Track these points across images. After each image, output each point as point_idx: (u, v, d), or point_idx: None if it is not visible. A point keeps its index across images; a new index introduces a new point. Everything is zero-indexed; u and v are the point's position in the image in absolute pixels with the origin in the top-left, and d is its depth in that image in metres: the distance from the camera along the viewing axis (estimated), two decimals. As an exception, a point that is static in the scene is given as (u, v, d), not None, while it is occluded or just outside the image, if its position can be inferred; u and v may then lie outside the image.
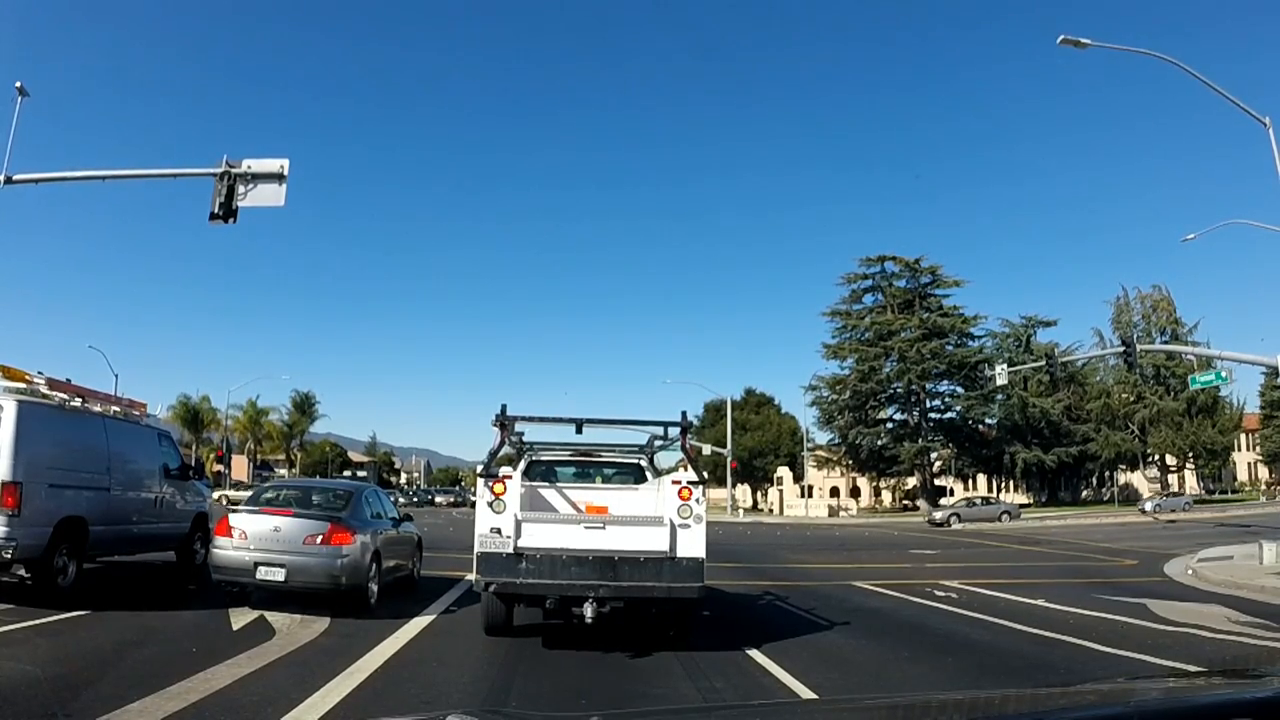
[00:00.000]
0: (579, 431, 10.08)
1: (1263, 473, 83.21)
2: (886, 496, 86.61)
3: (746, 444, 79.60)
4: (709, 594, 10.18)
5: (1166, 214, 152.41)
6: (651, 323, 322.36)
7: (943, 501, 64.41)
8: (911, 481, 75.52)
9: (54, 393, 11.95)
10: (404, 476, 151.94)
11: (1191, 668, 8.44)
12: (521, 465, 10.90)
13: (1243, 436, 78.46)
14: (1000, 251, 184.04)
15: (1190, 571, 19.49)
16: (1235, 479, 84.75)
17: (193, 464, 16.32)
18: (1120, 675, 7.79)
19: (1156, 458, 66.18)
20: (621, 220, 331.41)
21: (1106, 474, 74.57)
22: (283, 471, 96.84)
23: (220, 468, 73.03)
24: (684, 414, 9.97)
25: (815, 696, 7.45)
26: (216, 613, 10.63)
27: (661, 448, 11.41)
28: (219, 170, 16.86)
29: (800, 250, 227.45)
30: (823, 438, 77.40)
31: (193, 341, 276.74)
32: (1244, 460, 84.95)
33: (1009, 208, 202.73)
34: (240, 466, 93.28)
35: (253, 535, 10.91)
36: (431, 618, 11.06)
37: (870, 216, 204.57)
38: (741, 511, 72.75)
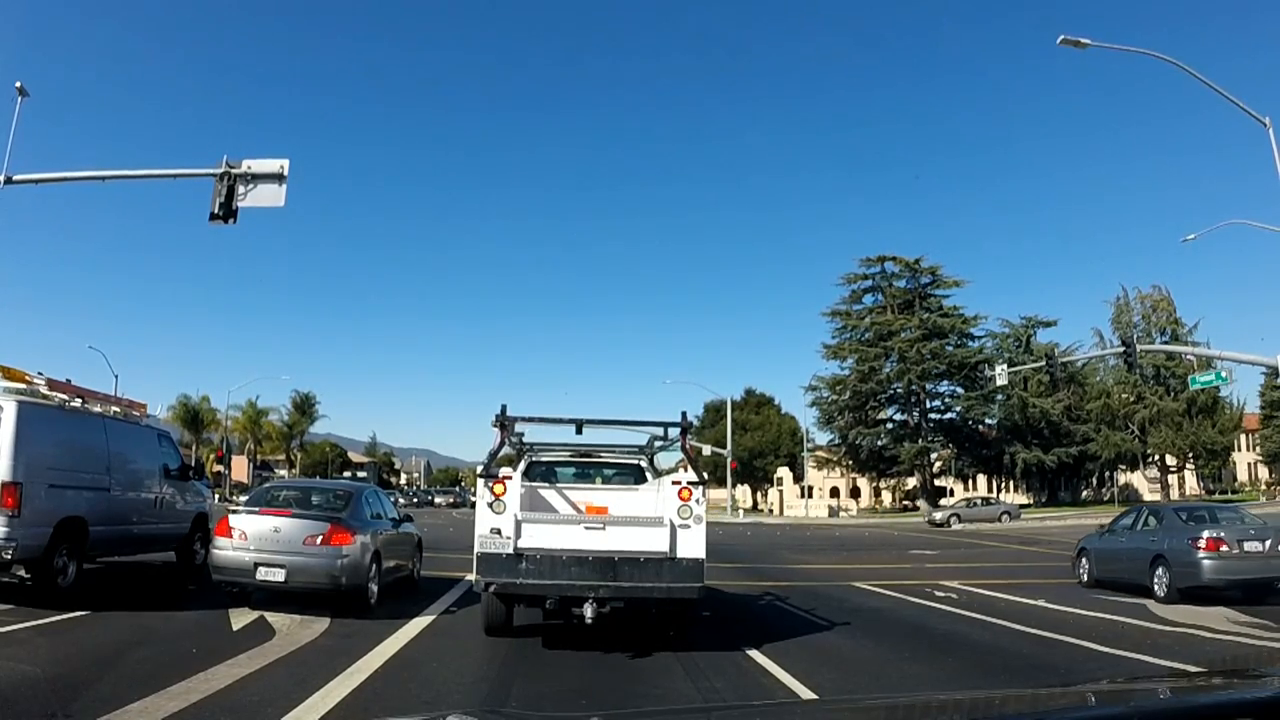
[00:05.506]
0: (579, 432, 10.09)
1: (1263, 473, 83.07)
2: (886, 497, 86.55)
3: (746, 444, 79.61)
4: (709, 594, 10.19)
5: (1166, 214, 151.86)
6: (651, 323, 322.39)
7: (943, 502, 64.43)
8: (911, 482, 75.48)
9: (54, 393, 11.96)
10: (404, 477, 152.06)
11: (1191, 668, 8.42)
12: (521, 466, 10.87)
13: (1243, 437, 78.30)
14: (1000, 251, 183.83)
15: (1190, 572, 19.45)
16: (1235, 479, 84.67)
17: (193, 464, 16.34)
18: (1120, 675, 7.78)
19: (1156, 458, 66.14)
20: (621, 219, 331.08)
21: (1106, 474, 74.47)
22: (283, 472, 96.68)
23: (220, 468, 73.00)
24: (684, 414, 9.97)
25: (815, 696, 7.45)
26: (216, 613, 10.63)
27: (661, 448, 11.39)
28: (219, 170, 16.87)
29: (800, 250, 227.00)
30: (823, 438, 77.46)
31: (193, 341, 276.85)
32: (1244, 460, 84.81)
33: (1009, 208, 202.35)
34: (240, 467, 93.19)
35: (253, 535, 10.91)
36: (431, 618, 11.06)
37: (870, 216, 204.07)
38: (741, 512, 72.75)
